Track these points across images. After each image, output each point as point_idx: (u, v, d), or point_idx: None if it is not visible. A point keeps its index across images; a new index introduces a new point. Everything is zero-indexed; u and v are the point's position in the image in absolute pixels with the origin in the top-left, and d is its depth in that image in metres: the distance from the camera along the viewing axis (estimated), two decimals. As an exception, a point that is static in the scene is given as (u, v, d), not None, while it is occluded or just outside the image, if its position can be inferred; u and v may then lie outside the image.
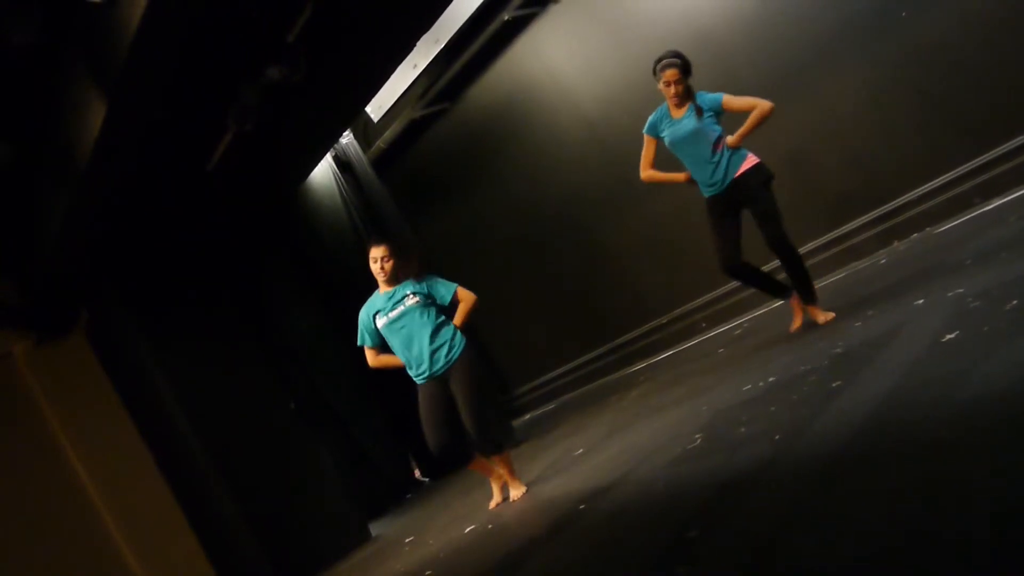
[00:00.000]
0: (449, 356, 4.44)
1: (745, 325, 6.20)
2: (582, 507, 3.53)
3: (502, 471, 4.66)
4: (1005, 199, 4.94)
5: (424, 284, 4.53)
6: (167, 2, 3.65)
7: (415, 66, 8.00)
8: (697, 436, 3.48)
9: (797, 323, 4.58)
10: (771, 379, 3.73)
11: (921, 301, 3.60)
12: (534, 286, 8.27)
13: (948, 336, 2.88)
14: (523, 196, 7.98)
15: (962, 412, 2.24)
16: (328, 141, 7.89)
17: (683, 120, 4.50)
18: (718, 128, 4.46)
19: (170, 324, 6.64)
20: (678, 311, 7.11)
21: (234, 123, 5.54)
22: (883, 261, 5.39)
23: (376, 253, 4.51)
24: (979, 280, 3.40)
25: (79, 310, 6.45)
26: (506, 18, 7.26)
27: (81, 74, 4.33)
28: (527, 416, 8.73)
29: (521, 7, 7.20)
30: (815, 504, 2.22)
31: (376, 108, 8.56)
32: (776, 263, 5.45)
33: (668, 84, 4.47)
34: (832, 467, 2.37)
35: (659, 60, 4.51)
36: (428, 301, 4.50)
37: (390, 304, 4.49)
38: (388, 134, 8.65)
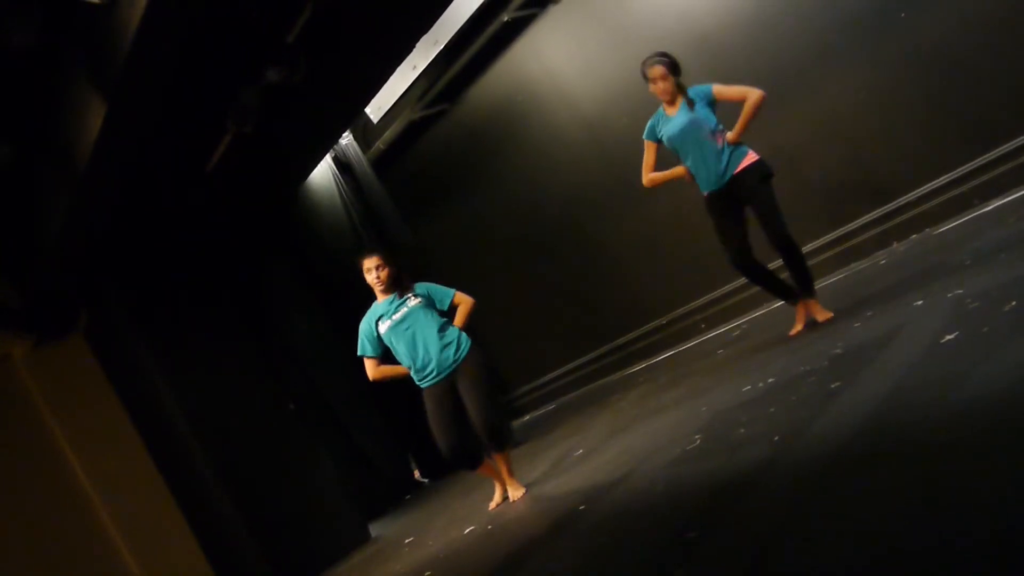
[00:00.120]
0: (457, 355, 4.45)
1: (744, 326, 6.20)
2: (582, 508, 3.53)
3: (501, 469, 4.66)
4: (1004, 200, 4.94)
5: (423, 288, 4.55)
6: (167, 2, 3.65)
7: (414, 67, 8.01)
8: (696, 437, 3.48)
9: (799, 327, 4.55)
10: (770, 380, 3.73)
11: (920, 302, 3.60)
12: (533, 287, 8.27)
13: (947, 337, 2.88)
14: (522, 197, 7.99)
15: (961, 413, 2.24)
16: (328, 142, 7.90)
17: (677, 116, 4.51)
18: (714, 118, 4.46)
19: (170, 325, 6.64)
20: (677, 312, 7.11)
21: (234, 124, 5.54)
22: (882, 262, 5.39)
23: (369, 264, 4.53)
24: (978, 281, 3.40)
25: (79, 311, 6.45)
26: (505, 19, 7.26)
27: (81, 75, 4.33)
28: (527, 417, 8.73)
29: (520, 8, 7.20)
30: (814, 505, 2.22)
31: (376, 109, 8.57)
32: (773, 264, 5.47)
33: (655, 81, 4.49)
34: (831, 468, 2.37)
35: (645, 61, 4.54)
36: (429, 303, 4.52)
37: (392, 308, 4.50)
38: (388, 135, 8.65)
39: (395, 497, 8.51)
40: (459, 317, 4.57)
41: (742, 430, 3.21)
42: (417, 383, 4.54)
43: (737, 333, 6.08)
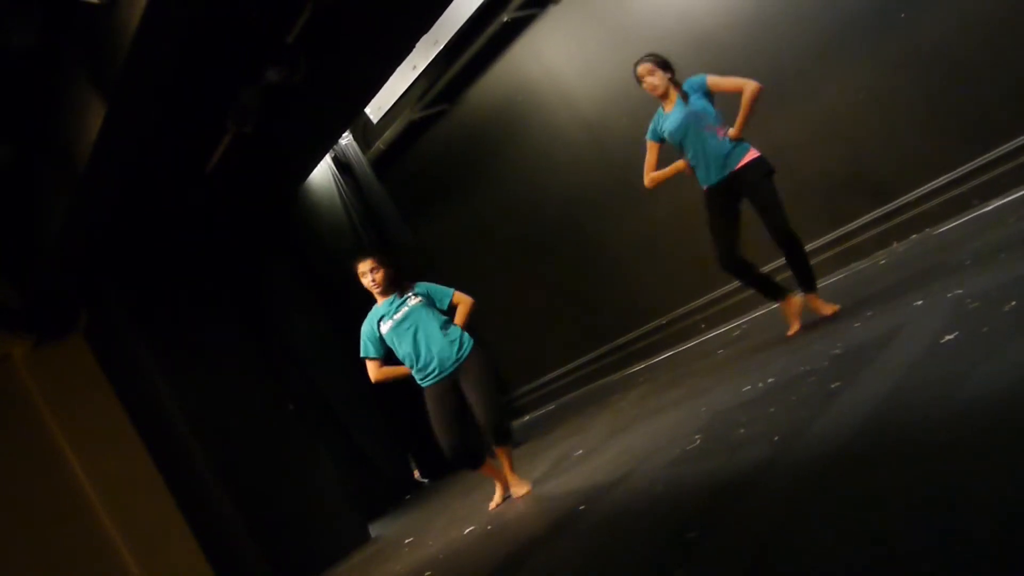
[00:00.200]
0: (460, 353, 4.45)
1: (744, 326, 6.20)
2: (582, 508, 3.53)
3: (502, 464, 4.65)
4: (1004, 200, 4.94)
5: (422, 287, 4.56)
6: (167, 2, 3.65)
7: (414, 67, 8.01)
8: (696, 437, 3.48)
9: (795, 327, 4.55)
10: (770, 380, 3.73)
11: (920, 302, 3.60)
12: (533, 287, 8.27)
13: (947, 337, 2.88)
14: (522, 197, 7.99)
15: (961, 413, 2.24)
16: (327, 142, 7.90)
17: (674, 112, 4.51)
18: (712, 109, 4.45)
19: (169, 325, 6.64)
20: (677, 312, 7.11)
21: (233, 124, 5.54)
22: (882, 262, 5.39)
23: (364, 267, 4.53)
24: (978, 281, 3.40)
25: (78, 312, 6.45)
26: (505, 19, 7.26)
27: (81, 75, 4.33)
28: (526, 417, 8.73)
29: (520, 8, 7.20)
30: (814, 505, 2.22)
31: (375, 109, 8.58)
32: (774, 264, 5.47)
33: (643, 78, 4.52)
34: (831, 468, 2.37)
35: (635, 64, 4.57)
36: (429, 302, 4.53)
37: (394, 307, 4.50)
38: (387, 135, 8.65)
39: (395, 497, 8.51)
40: (459, 316, 4.57)
41: (742, 430, 3.21)
42: (419, 382, 4.54)
43: (737, 333, 6.08)
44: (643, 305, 7.39)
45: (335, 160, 8.91)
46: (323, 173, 8.86)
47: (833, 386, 3.09)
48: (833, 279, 5.72)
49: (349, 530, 6.90)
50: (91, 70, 4.24)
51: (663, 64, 4.51)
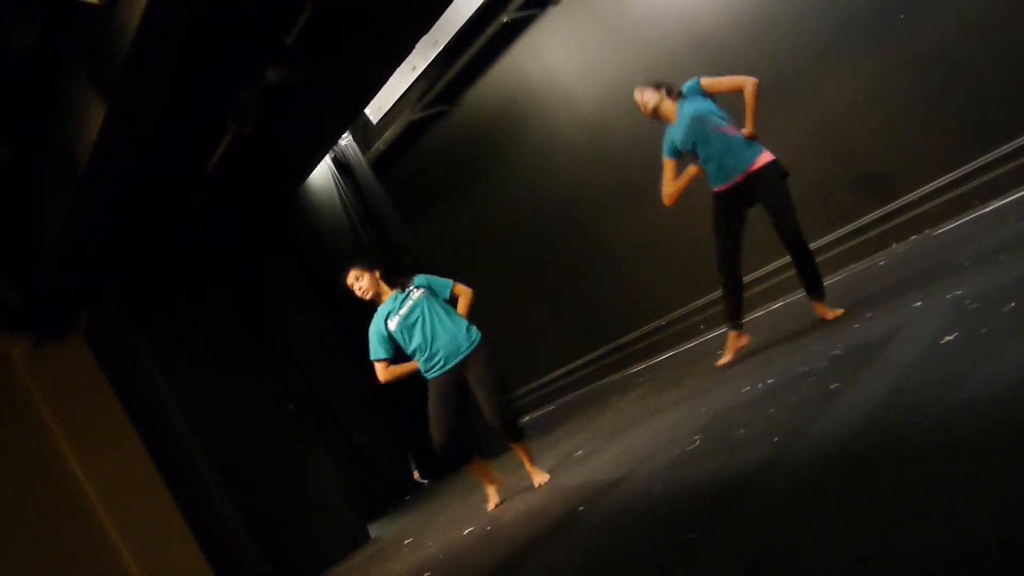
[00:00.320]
0: (468, 345, 4.46)
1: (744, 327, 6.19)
2: (581, 509, 3.53)
3: (523, 459, 4.68)
4: (1004, 200, 4.94)
5: (423, 279, 4.58)
6: (167, 2, 3.65)
7: (414, 68, 8.01)
8: (696, 438, 3.48)
9: (727, 359, 4.70)
10: (770, 381, 3.73)
11: (920, 303, 3.60)
12: (533, 288, 8.27)
13: (947, 338, 2.88)
14: (522, 198, 7.99)
15: (961, 413, 2.24)
16: (327, 142, 7.90)
17: (678, 122, 4.51)
18: (716, 108, 4.45)
19: (169, 325, 6.65)
20: (677, 313, 7.11)
21: (234, 124, 5.54)
22: (882, 263, 5.39)
23: (351, 280, 4.59)
24: (978, 282, 3.40)
25: (79, 311, 6.44)
26: (505, 20, 7.27)
27: (81, 74, 4.33)
28: (527, 418, 8.72)
29: (520, 9, 7.20)
30: (814, 505, 2.22)
31: (375, 110, 8.58)
32: (775, 264, 5.47)
33: (640, 104, 4.59)
34: (831, 468, 2.37)
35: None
36: (432, 293, 4.57)
37: (398, 304, 4.53)
38: (387, 135, 8.65)
39: (395, 497, 8.51)
40: (461, 307, 4.61)
41: (742, 430, 3.21)
42: (424, 374, 4.55)
43: (737, 333, 6.07)
44: (643, 305, 7.39)
45: (335, 160, 8.91)
46: (323, 173, 8.86)
47: (833, 387, 3.09)
48: (833, 280, 5.71)
49: (349, 530, 6.90)
50: (91, 70, 4.24)
51: (653, 84, 4.57)
